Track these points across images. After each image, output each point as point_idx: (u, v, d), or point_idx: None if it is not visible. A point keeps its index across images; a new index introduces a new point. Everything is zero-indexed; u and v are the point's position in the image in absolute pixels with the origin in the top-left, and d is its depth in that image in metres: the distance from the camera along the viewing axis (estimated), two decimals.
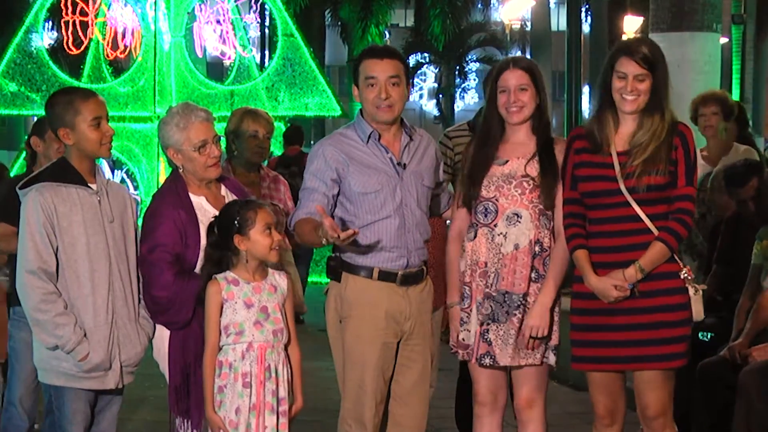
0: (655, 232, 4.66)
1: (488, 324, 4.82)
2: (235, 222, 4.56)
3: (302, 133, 13.58)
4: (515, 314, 4.81)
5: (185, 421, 4.79)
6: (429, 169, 4.99)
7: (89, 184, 4.65)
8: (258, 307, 4.59)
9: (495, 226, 4.84)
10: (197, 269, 4.74)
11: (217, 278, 4.60)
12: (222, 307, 4.58)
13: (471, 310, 4.86)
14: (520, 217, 4.83)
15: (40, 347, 4.61)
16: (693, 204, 4.76)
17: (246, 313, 4.57)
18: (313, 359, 6.42)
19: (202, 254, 4.73)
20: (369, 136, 4.86)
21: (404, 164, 4.89)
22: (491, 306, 4.82)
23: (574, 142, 4.87)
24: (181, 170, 4.85)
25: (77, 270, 4.57)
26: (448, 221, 5.35)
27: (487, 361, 4.83)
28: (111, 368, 4.62)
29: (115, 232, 4.68)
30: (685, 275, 4.71)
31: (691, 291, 4.71)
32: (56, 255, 4.55)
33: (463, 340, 4.88)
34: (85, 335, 4.54)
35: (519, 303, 4.81)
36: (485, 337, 4.82)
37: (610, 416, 4.86)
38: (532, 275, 4.84)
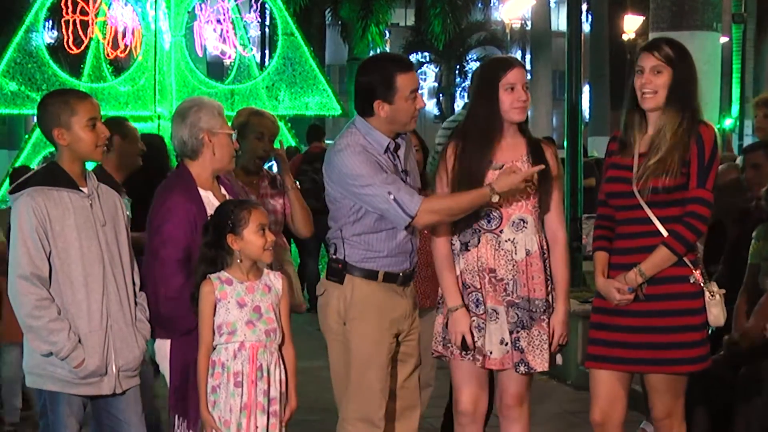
0: (665, 235, 4.66)
1: (518, 332, 4.81)
2: (229, 221, 4.56)
3: (322, 130, 13.57)
4: (543, 318, 4.83)
5: (183, 421, 4.79)
6: (416, 168, 5.03)
7: (80, 188, 4.59)
8: (251, 307, 4.59)
9: (501, 232, 4.82)
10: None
11: (211, 278, 4.59)
12: (215, 307, 4.58)
13: (486, 317, 4.84)
14: (526, 223, 4.83)
15: (33, 353, 4.55)
16: (705, 207, 4.65)
17: (238, 313, 4.57)
18: (313, 359, 6.42)
19: None
20: (387, 147, 4.81)
21: (406, 171, 4.89)
22: (517, 314, 4.81)
23: (609, 144, 4.91)
24: (199, 158, 4.84)
25: (71, 275, 4.52)
26: None
27: (522, 368, 4.83)
28: (107, 373, 4.57)
29: (108, 236, 4.63)
30: (695, 280, 4.69)
31: (707, 295, 4.69)
32: (49, 260, 4.48)
33: (483, 346, 4.83)
34: (79, 341, 4.49)
35: (544, 307, 4.84)
36: (517, 345, 4.81)
37: (603, 425, 4.82)
38: (547, 278, 4.88)
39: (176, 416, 4.82)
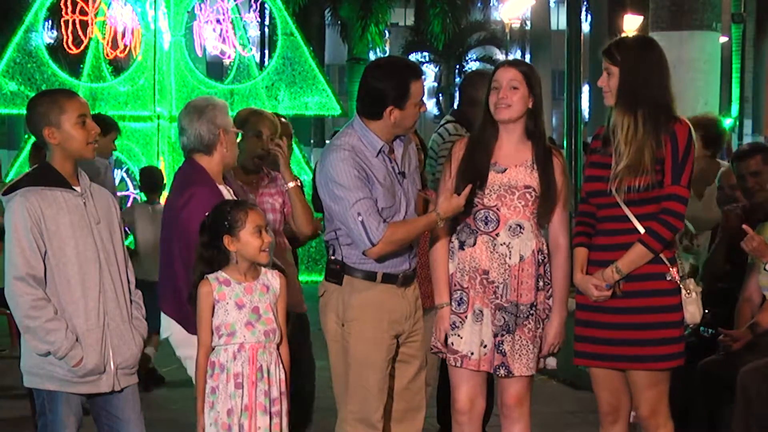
0: (642, 232, 4.68)
1: (502, 335, 4.82)
2: (225, 222, 4.56)
3: None
4: (525, 324, 4.84)
5: None
6: (416, 169, 5.05)
7: (73, 187, 4.59)
8: (249, 308, 4.58)
9: (497, 235, 4.83)
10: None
11: (209, 278, 4.59)
12: (214, 308, 4.58)
13: (466, 317, 4.85)
14: (523, 228, 4.84)
15: (31, 353, 4.55)
16: (681, 204, 4.69)
17: (237, 314, 4.57)
18: (314, 359, 6.41)
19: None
20: (380, 150, 4.83)
21: (404, 173, 4.91)
22: (504, 317, 4.82)
23: (592, 142, 4.94)
24: (213, 153, 4.99)
25: (67, 273, 4.52)
26: None
27: (502, 371, 4.84)
28: (105, 371, 4.58)
29: (102, 234, 4.63)
30: (671, 277, 4.71)
31: (684, 293, 4.71)
32: (45, 260, 4.48)
33: (452, 344, 4.87)
34: (77, 339, 4.49)
35: (528, 313, 4.84)
36: (500, 348, 4.82)
37: (613, 413, 4.88)
38: (539, 284, 4.87)
39: None
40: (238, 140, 5.99)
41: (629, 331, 4.71)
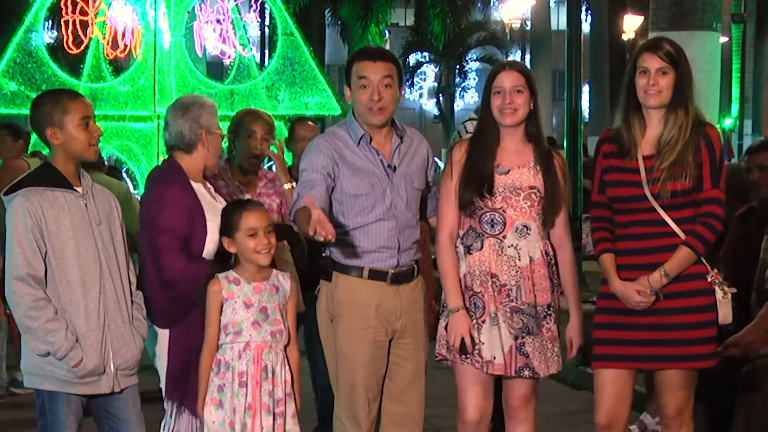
0: (682, 236, 4.66)
1: (523, 337, 4.80)
2: (225, 225, 4.63)
3: None
4: (545, 324, 4.83)
5: (181, 407, 4.81)
6: (419, 170, 4.99)
7: (75, 188, 4.60)
8: (257, 308, 4.60)
9: (504, 237, 4.81)
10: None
11: (219, 277, 4.62)
12: (222, 306, 4.59)
13: (484, 321, 4.80)
14: (529, 229, 4.82)
15: (31, 353, 4.55)
16: (720, 207, 4.71)
17: (245, 313, 4.58)
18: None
19: (208, 240, 4.79)
20: (360, 139, 4.86)
21: (394, 167, 4.89)
22: (522, 320, 4.79)
23: (602, 145, 4.88)
24: (193, 153, 4.96)
25: (67, 274, 4.52)
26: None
27: (526, 373, 4.82)
28: (105, 372, 4.58)
29: (103, 235, 4.63)
30: (713, 278, 4.71)
31: (719, 294, 4.71)
32: (45, 260, 4.49)
33: (478, 351, 4.79)
34: (77, 340, 4.49)
35: (546, 313, 4.84)
36: (522, 350, 4.80)
37: (608, 427, 4.81)
38: (552, 284, 4.86)
39: (172, 403, 4.83)
40: (233, 140, 6.04)
41: (668, 331, 4.69)
